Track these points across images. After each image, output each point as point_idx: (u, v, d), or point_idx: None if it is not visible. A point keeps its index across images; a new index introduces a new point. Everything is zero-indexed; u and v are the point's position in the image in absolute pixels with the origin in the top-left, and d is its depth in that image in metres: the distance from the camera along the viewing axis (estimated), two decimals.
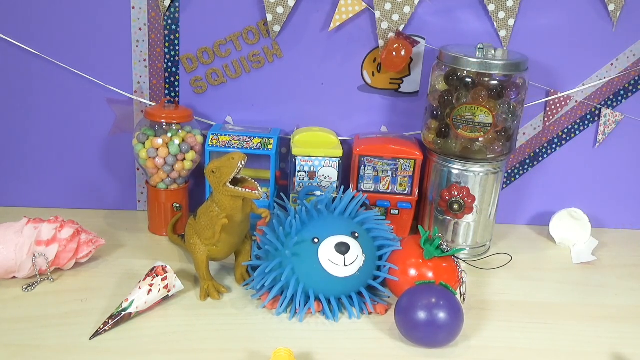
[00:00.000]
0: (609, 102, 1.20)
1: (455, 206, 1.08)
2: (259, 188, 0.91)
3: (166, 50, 1.13)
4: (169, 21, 1.11)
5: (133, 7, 1.10)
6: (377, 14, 1.11)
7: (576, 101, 1.19)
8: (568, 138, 1.22)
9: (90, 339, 0.84)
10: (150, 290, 0.90)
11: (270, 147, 1.10)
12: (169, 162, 1.09)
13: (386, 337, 0.89)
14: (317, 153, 1.08)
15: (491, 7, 1.11)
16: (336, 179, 1.10)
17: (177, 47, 1.13)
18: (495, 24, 1.12)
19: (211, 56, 1.14)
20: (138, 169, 1.21)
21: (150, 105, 1.16)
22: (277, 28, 1.11)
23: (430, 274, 0.94)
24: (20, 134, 1.17)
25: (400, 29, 1.12)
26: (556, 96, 1.17)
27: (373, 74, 1.17)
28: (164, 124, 1.09)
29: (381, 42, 1.13)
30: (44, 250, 0.96)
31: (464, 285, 0.95)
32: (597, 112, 1.20)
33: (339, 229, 0.95)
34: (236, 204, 0.92)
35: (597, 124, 1.21)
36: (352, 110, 1.19)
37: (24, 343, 0.82)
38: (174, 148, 1.08)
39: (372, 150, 1.11)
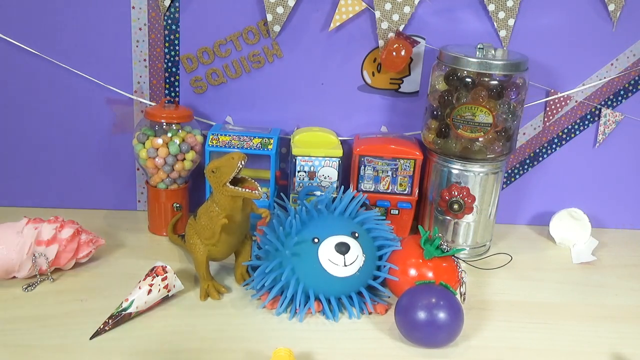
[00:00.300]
0: (609, 102, 1.20)
1: (455, 206, 1.08)
2: (259, 188, 0.91)
3: (166, 50, 1.13)
4: (169, 21, 1.11)
5: (133, 7, 1.10)
6: (377, 14, 1.11)
7: (576, 101, 1.19)
8: (568, 138, 1.22)
9: (90, 339, 0.84)
10: (150, 290, 0.90)
11: (270, 147, 1.10)
12: (169, 162, 1.09)
13: (386, 337, 0.89)
14: (317, 153, 1.08)
15: (491, 7, 1.11)
16: (336, 179, 1.10)
17: (177, 47, 1.13)
18: (495, 24, 1.12)
19: (211, 56, 1.14)
20: (138, 169, 1.21)
21: (150, 105, 1.16)
22: (277, 28, 1.11)
23: (430, 274, 0.94)
24: (20, 134, 1.17)
25: (400, 29, 1.12)
26: (556, 96, 1.17)
27: (373, 74, 1.17)
28: (164, 124, 1.09)
29: (381, 42, 1.13)
30: (44, 250, 0.96)
31: (464, 285, 0.95)
32: (597, 112, 1.20)
33: (339, 229, 0.95)
34: (236, 204, 0.92)
35: (597, 124, 1.21)
36: (352, 110, 1.19)
37: (24, 343, 0.82)
38: (174, 148, 1.08)
39: (372, 150, 1.11)
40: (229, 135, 1.11)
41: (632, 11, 1.13)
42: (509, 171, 1.25)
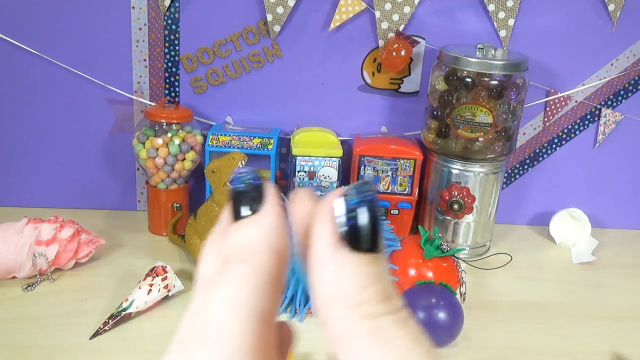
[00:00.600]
0: (609, 102, 1.20)
1: (455, 206, 1.08)
2: None
3: (166, 50, 1.13)
4: (169, 21, 1.11)
5: (133, 7, 1.10)
6: (377, 14, 1.11)
7: (576, 101, 1.19)
8: (568, 138, 1.22)
9: (90, 339, 0.84)
10: (150, 290, 0.90)
11: (270, 147, 1.10)
12: (169, 162, 1.09)
13: None
14: (317, 153, 1.08)
15: (491, 7, 1.11)
16: (336, 179, 1.10)
17: (177, 47, 1.13)
18: (495, 24, 1.12)
19: (211, 56, 1.14)
20: (138, 169, 1.21)
21: (150, 105, 1.16)
22: (277, 28, 1.11)
23: (430, 274, 0.93)
24: (20, 134, 1.17)
25: (400, 29, 1.12)
26: (556, 96, 1.17)
27: (373, 74, 1.17)
28: (164, 124, 1.09)
29: (381, 42, 1.13)
30: (44, 250, 0.96)
31: (464, 285, 0.95)
32: (597, 112, 1.20)
33: None
34: None
35: (597, 124, 1.21)
36: (352, 110, 1.19)
37: (24, 343, 0.82)
38: (174, 148, 1.08)
39: (372, 150, 1.11)
40: (229, 135, 1.11)
41: (632, 11, 1.13)
42: (509, 171, 1.25)
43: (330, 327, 0.24)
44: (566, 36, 1.14)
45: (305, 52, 1.14)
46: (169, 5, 1.10)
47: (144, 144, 1.09)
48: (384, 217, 1.09)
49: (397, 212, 1.14)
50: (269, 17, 1.10)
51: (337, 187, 1.10)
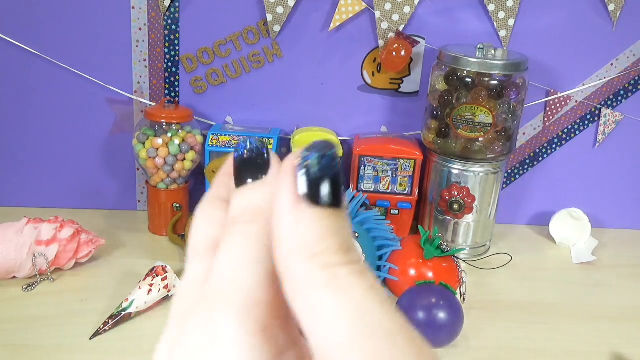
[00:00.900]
0: (609, 102, 1.20)
1: (455, 206, 1.08)
2: None
3: (166, 50, 1.13)
4: (169, 21, 1.11)
5: (133, 7, 1.10)
6: (377, 14, 1.11)
7: (576, 101, 1.19)
8: (568, 138, 1.22)
9: (90, 339, 0.84)
10: (150, 290, 0.90)
11: (270, 147, 1.10)
12: (169, 162, 1.09)
13: None
14: None
15: (491, 7, 1.11)
16: None
17: (177, 47, 1.13)
18: (495, 24, 1.12)
19: (211, 56, 1.14)
20: (138, 169, 1.21)
21: (150, 105, 1.16)
22: (277, 28, 1.11)
23: (430, 274, 0.94)
24: (20, 134, 1.17)
25: (400, 29, 1.12)
26: (556, 96, 1.17)
27: (373, 74, 1.17)
28: (164, 124, 1.09)
29: (381, 42, 1.13)
30: (44, 250, 0.96)
31: (464, 285, 0.95)
32: (597, 112, 1.20)
33: None
34: None
35: (597, 124, 1.21)
36: (352, 110, 1.19)
37: (24, 343, 0.82)
38: (174, 148, 1.08)
39: (372, 150, 1.11)
40: (229, 135, 1.11)
41: (632, 11, 1.13)
42: (509, 171, 1.25)
43: (288, 278, 0.24)
44: (566, 36, 1.14)
45: (305, 52, 1.14)
46: (169, 5, 1.10)
47: (144, 144, 1.09)
48: (384, 217, 1.09)
49: (397, 212, 1.14)
50: (269, 17, 1.10)
51: None
